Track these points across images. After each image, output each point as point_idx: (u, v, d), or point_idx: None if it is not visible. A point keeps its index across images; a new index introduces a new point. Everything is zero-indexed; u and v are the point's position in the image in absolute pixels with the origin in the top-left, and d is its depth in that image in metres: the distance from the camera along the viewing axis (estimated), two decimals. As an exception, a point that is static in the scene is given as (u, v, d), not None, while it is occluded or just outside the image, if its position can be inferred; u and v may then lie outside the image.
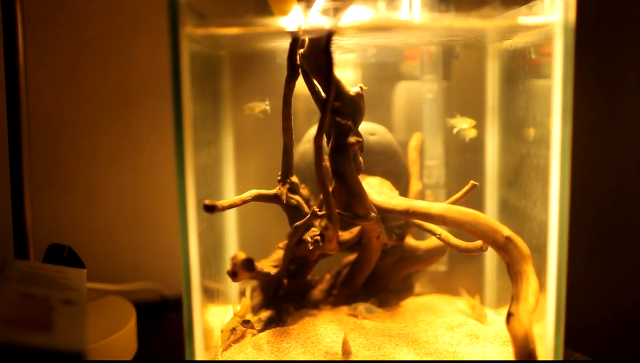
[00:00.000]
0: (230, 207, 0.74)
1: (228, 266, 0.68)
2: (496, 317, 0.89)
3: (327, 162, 0.83)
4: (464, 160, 0.97)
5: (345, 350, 0.73)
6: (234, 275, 0.67)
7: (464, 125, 0.88)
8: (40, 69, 1.02)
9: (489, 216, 0.75)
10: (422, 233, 0.90)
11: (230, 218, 1.01)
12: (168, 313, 1.07)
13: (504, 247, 0.68)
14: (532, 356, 0.62)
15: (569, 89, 0.63)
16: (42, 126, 1.03)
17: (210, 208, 0.68)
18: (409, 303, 0.93)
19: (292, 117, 0.80)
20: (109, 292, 0.98)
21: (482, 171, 0.96)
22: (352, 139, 0.75)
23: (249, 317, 0.82)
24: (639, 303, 1.08)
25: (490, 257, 0.97)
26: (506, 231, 0.68)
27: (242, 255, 0.66)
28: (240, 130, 1.01)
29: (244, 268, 0.67)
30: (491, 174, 0.95)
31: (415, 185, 0.93)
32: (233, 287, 0.99)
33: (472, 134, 0.90)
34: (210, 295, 0.82)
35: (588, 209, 1.08)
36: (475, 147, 0.95)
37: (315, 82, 0.77)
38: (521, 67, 0.83)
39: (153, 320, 1.03)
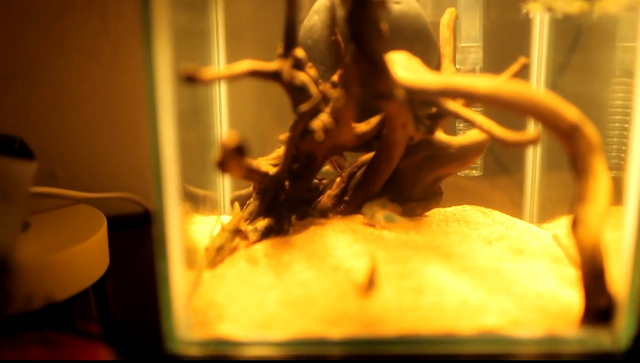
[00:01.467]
0: (217, 78, 0.59)
1: (217, 155, 0.53)
2: (541, 232, 0.74)
3: (338, 36, 0.68)
4: (506, 42, 0.81)
5: (371, 280, 0.57)
6: (222, 164, 0.52)
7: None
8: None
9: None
10: (454, 128, 0.74)
11: (221, 113, 0.86)
12: (149, 227, 0.93)
13: (568, 135, 0.53)
14: (600, 275, 0.51)
15: None
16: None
17: (190, 79, 0.52)
18: (436, 213, 0.79)
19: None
20: (80, 200, 0.84)
21: (528, 54, 0.79)
22: (375, -6, 0.57)
23: (242, 226, 0.67)
24: None
25: (532, 157, 0.82)
26: (573, 114, 0.53)
27: (234, 138, 0.51)
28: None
29: (238, 154, 0.51)
30: (538, 57, 0.79)
31: (447, 69, 0.76)
32: (222, 194, 0.86)
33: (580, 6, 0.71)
34: (196, 203, 0.72)
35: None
36: (520, 26, 0.78)
37: None
38: None
39: (132, 234, 0.92)
